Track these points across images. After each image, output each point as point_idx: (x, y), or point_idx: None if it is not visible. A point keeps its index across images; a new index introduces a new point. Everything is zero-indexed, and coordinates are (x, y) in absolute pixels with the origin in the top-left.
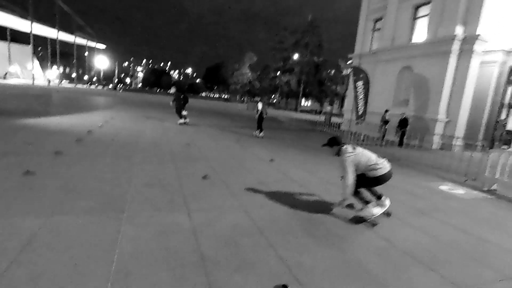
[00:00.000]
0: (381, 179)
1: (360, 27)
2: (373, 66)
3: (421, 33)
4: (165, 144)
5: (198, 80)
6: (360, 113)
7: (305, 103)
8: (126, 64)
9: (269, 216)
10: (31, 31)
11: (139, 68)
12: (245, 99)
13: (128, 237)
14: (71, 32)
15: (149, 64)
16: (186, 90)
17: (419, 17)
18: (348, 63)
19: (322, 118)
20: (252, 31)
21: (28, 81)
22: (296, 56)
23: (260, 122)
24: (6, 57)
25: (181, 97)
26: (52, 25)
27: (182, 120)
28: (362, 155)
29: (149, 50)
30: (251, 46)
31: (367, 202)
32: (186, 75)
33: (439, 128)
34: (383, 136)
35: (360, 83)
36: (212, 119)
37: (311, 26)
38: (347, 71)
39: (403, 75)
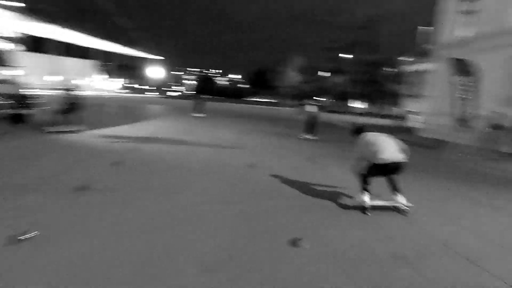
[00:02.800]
0: (378, 167)
1: (442, 10)
2: (467, 57)
3: None
4: (219, 167)
5: (246, 86)
6: (465, 117)
7: (359, 105)
8: (177, 72)
9: None
10: (98, 48)
11: (191, 77)
12: (295, 102)
13: None
14: (132, 46)
15: (201, 72)
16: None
17: None
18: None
19: (386, 122)
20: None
21: (94, 92)
22: (350, 55)
23: (312, 124)
24: (78, 71)
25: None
26: (117, 41)
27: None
28: (372, 140)
29: (200, 58)
30: (300, 48)
31: (364, 190)
32: (234, 80)
33: None
34: (495, 146)
35: (464, 79)
36: (264, 126)
37: (368, 22)
38: (408, 69)
39: None
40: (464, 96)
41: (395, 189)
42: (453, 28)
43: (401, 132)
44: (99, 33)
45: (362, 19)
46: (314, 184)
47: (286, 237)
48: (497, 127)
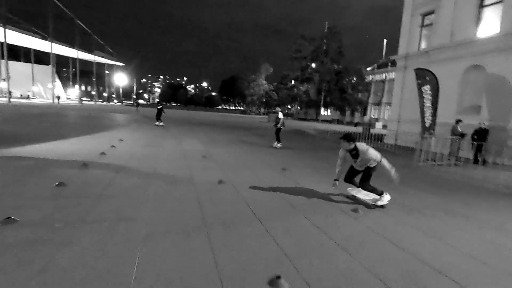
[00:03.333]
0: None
1: (404, 24)
2: (426, 67)
3: (490, 24)
4: (187, 181)
5: (214, 94)
6: (427, 124)
7: (324, 112)
8: (144, 80)
9: None
10: (51, 51)
11: (156, 84)
12: (263, 110)
13: None
14: (90, 51)
15: (166, 79)
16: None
17: (487, 5)
18: (368, 69)
19: (358, 129)
20: (267, 44)
21: (48, 100)
22: (315, 64)
23: (278, 132)
24: (30, 77)
25: None
26: (72, 45)
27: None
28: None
29: (165, 66)
30: (266, 58)
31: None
32: (202, 88)
33: None
34: (456, 153)
35: (426, 88)
36: (233, 135)
37: (330, 32)
38: (369, 78)
39: (468, 76)
40: (428, 104)
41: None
42: (411, 39)
43: (368, 139)
44: (57, 36)
45: (327, 28)
46: (291, 200)
47: (264, 276)
48: (461, 135)
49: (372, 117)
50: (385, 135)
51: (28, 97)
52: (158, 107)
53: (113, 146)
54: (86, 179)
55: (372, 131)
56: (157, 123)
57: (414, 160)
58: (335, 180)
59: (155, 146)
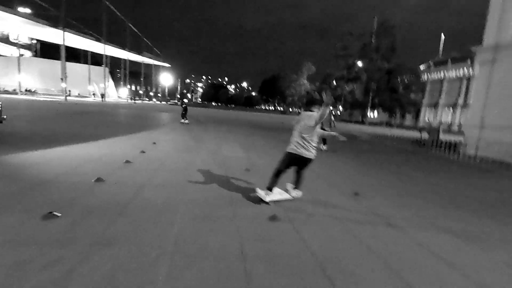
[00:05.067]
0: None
1: (493, 8)
2: None
3: None
4: (227, 214)
5: (254, 93)
6: None
7: (370, 114)
8: (187, 80)
9: None
10: (104, 53)
11: (199, 84)
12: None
13: None
14: (139, 52)
15: (208, 79)
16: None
17: None
18: (421, 68)
19: (423, 135)
20: (309, 43)
21: (98, 99)
22: (362, 63)
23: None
24: (86, 78)
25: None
26: (123, 47)
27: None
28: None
29: (208, 67)
30: (308, 57)
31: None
32: (241, 88)
33: None
34: None
35: None
36: (277, 139)
37: (382, 27)
38: (423, 77)
39: None
40: None
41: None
42: (503, 26)
43: (437, 148)
44: (110, 39)
45: (374, 26)
46: (390, 261)
47: None
48: None
49: (427, 120)
50: (460, 143)
51: (94, 95)
52: (183, 105)
53: (142, 152)
54: (87, 207)
55: (442, 137)
56: (182, 120)
57: None
58: None
59: (191, 151)
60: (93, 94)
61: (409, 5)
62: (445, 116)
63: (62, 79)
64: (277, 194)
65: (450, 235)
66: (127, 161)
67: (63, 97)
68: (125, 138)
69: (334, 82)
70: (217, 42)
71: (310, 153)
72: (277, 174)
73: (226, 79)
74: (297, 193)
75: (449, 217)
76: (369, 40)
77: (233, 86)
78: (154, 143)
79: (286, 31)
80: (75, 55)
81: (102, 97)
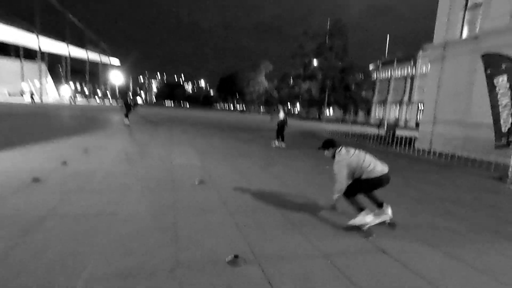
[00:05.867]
0: (375, 182)
1: (441, 8)
2: (471, 57)
3: None
4: (166, 261)
5: (212, 92)
6: (505, 129)
7: (325, 111)
8: (142, 80)
9: None
10: (38, 46)
11: (154, 82)
12: (264, 109)
13: None
14: (82, 46)
15: (163, 78)
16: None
17: None
18: (370, 67)
19: (380, 131)
20: (264, 43)
21: (37, 99)
22: (318, 61)
23: (282, 131)
24: (19, 74)
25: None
26: (63, 40)
27: None
28: (357, 157)
29: (162, 65)
30: (264, 57)
31: (361, 209)
32: (199, 87)
33: None
34: None
35: (501, 80)
36: (237, 140)
37: (335, 27)
38: (374, 76)
39: None
40: (504, 102)
41: (381, 202)
42: (450, 25)
43: (393, 143)
44: (46, 31)
45: (328, 26)
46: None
47: None
48: None
49: (377, 116)
50: (415, 138)
51: (22, 95)
52: (126, 102)
53: (64, 163)
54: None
55: (397, 133)
56: (126, 120)
57: (508, 182)
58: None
59: (131, 161)
60: (22, 94)
61: (357, 10)
62: (393, 112)
63: None
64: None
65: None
66: (35, 179)
67: None
68: (43, 146)
69: (291, 80)
70: (172, 40)
71: None
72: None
73: (183, 77)
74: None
75: None
76: (324, 39)
77: (190, 85)
78: (86, 150)
79: (242, 30)
80: (4, 49)
81: (31, 98)
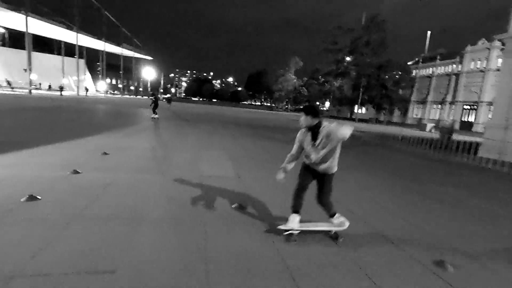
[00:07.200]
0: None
1: None
2: None
3: None
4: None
5: (239, 89)
6: None
7: (358, 110)
8: (172, 75)
9: None
10: (76, 43)
11: (183, 79)
12: (290, 107)
13: None
14: (118, 43)
15: (193, 74)
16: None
17: None
18: (409, 64)
19: (435, 135)
20: (295, 40)
21: (78, 93)
22: (352, 58)
23: None
24: (60, 70)
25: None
26: (99, 37)
27: None
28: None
29: (193, 61)
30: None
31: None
32: (227, 83)
33: None
34: None
35: None
36: (274, 142)
37: (372, 22)
38: (413, 73)
39: None
40: None
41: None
42: None
43: (450, 149)
44: (84, 28)
45: (363, 22)
46: None
47: None
48: None
49: (415, 116)
50: (479, 144)
51: (61, 89)
52: (153, 98)
53: (75, 172)
54: None
55: (454, 138)
56: (153, 115)
57: None
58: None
59: (152, 169)
60: (61, 89)
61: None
62: (433, 113)
63: (25, 70)
64: None
65: None
66: (31, 197)
67: (26, 91)
68: (59, 147)
69: (322, 77)
70: (201, 37)
71: None
72: None
73: (212, 73)
74: None
75: None
76: (360, 34)
77: (218, 81)
78: (105, 153)
79: (270, 27)
80: (48, 45)
81: (60, 91)
